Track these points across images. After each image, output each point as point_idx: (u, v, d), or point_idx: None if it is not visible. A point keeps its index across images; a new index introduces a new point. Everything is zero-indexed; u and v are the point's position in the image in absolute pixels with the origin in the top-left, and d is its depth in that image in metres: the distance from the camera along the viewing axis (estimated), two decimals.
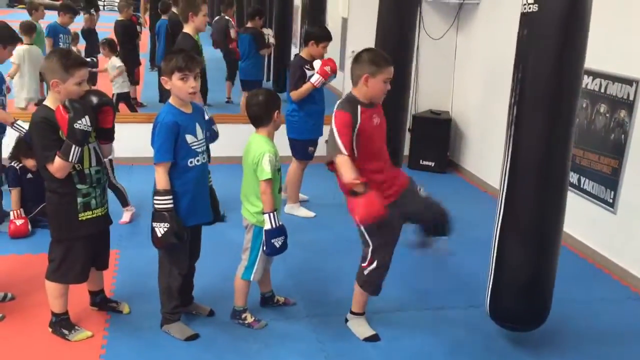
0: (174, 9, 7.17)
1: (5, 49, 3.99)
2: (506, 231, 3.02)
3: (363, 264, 3.20)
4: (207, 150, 4.61)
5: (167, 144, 2.94)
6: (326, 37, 4.77)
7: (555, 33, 2.77)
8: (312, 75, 4.64)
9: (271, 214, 3.09)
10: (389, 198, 3.05)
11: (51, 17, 7.22)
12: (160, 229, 2.93)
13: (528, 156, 2.92)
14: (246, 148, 3.21)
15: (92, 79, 5.77)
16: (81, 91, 2.91)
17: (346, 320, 3.39)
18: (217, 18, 8.27)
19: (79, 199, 2.97)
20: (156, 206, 2.95)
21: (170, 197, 2.95)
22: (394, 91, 3.24)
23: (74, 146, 2.81)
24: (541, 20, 2.78)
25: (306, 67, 4.70)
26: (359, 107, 3.00)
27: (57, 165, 2.85)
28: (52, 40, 6.68)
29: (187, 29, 4.48)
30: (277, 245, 3.12)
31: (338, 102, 3.06)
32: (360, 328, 3.33)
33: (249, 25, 7.21)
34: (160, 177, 2.95)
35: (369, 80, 2.99)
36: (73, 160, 2.85)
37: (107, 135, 3.07)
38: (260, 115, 3.18)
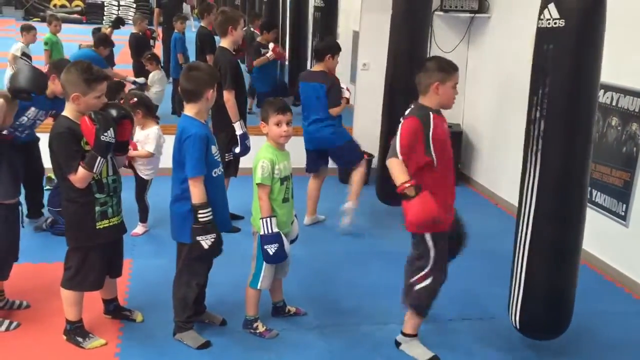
0: (202, 23, 7.27)
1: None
2: (535, 247, 3.00)
3: (413, 279, 3.08)
4: (237, 162, 4.75)
5: (202, 157, 2.98)
6: (339, 48, 4.91)
7: (582, 48, 2.82)
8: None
9: (265, 220, 3.11)
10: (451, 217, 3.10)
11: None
12: (207, 240, 2.98)
13: (556, 170, 2.93)
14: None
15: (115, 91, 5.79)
16: (100, 104, 2.98)
17: (397, 344, 3.28)
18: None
19: (97, 208, 3.02)
20: (200, 220, 2.97)
21: (210, 208, 2.99)
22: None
23: (99, 157, 2.88)
24: (568, 36, 2.81)
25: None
26: (430, 113, 3.01)
27: (80, 176, 2.90)
28: None
29: (225, 43, 4.52)
30: (271, 252, 3.11)
31: (407, 111, 3.06)
32: (417, 350, 3.23)
33: (258, 39, 7.36)
34: (199, 191, 2.97)
35: (439, 88, 3.02)
36: (97, 171, 2.91)
37: (122, 147, 3.13)
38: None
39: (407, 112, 3.06)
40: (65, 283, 3.12)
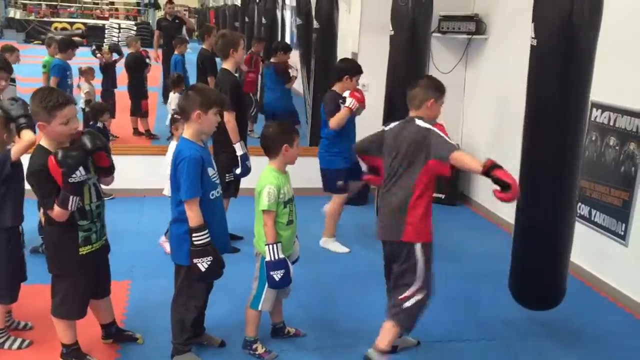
0: (203, 45, 7.34)
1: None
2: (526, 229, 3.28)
3: (402, 296, 3.06)
4: (238, 183, 4.73)
5: (196, 180, 2.95)
6: (359, 70, 4.88)
7: (551, 64, 2.96)
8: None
9: (271, 246, 3.09)
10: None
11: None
12: (204, 263, 2.93)
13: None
14: (258, 179, 3.25)
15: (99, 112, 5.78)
16: (70, 130, 2.86)
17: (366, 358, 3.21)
18: None
19: (81, 234, 2.95)
20: (196, 242, 2.93)
21: (207, 230, 2.95)
22: None
23: (71, 196, 2.79)
24: (539, 53, 2.95)
25: (340, 101, 4.75)
26: None
27: (57, 213, 2.82)
28: (58, 79, 6.44)
29: (227, 64, 4.55)
30: (277, 278, 3.11)
31: (422, 123, 3.12)
32: None
33: (272, 60, 7.41)
34: (195, 213, 2.94)
35: (433, 105, 3.19)
36: (72, 209, 2.82)
37: (106, 172, 3.07)
38: (268, 147, 3.22)
39: (420, 124, 3.11)
40: (53, 311, 3.08)
